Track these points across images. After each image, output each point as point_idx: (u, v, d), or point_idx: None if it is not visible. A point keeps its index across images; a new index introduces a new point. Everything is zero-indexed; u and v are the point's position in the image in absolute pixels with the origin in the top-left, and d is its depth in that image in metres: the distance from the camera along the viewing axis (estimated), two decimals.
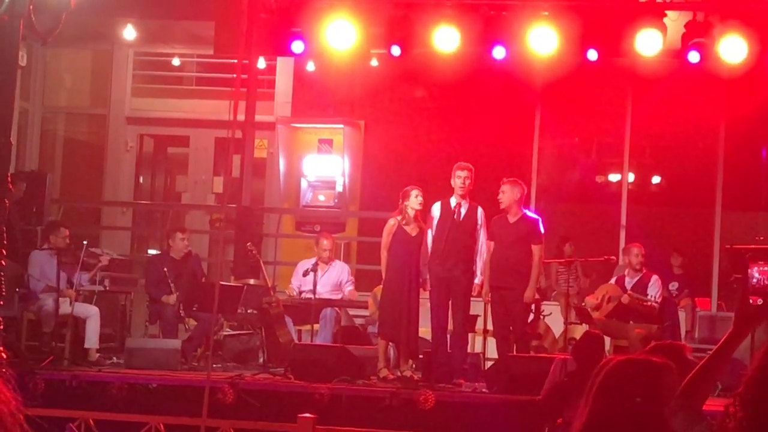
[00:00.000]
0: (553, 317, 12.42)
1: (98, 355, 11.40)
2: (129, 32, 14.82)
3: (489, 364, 11.16)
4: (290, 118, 15.03)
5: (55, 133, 16.09)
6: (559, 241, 13.44)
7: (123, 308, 12.65)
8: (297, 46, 12.35)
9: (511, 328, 10.74)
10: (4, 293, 9.48)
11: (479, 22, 11.89)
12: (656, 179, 15.35)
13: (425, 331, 11.04)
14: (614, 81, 14.06)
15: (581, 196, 15.09)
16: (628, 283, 11.55)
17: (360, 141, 14.87)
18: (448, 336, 10.72)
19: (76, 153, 16.09)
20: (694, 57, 11.58)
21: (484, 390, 10.35)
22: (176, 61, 15.73)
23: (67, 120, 16.24)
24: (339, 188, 14.60)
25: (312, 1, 12.27)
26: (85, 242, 11.49)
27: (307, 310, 11.43)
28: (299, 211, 14.67)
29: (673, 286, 13.27)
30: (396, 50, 11.99)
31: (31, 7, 9.41)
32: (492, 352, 11.34)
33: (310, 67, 14.51)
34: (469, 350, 11.25)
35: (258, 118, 13.69)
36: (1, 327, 9.35)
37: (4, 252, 9.33)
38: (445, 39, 11.87)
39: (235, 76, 12.79)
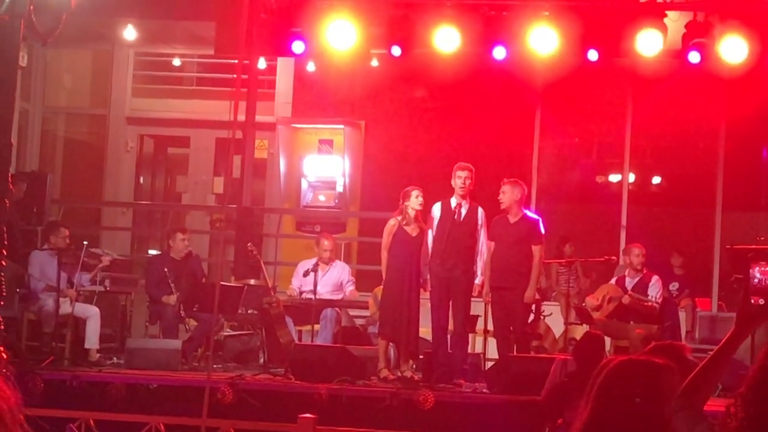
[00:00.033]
0: (554, 317, 12.42)
1: (98, 355, 11.40)
2: (129, 32, 14.83)
3: (489, 364, 11.16)
4: (291, 119, 15.03)
5: (55, 134, 16.10)
6: (559, 241, 13.43)
7: (123, 308, 12.64)
8: (297, 47, 12.35)
9: (511, 328, 10.74)
10: (4, 293, 9.49)
11: (479, 23, 11.88)
12: (656, 179, 15.35)
13: (426, 331, 11.03)
14: (615, 81, 14.06)
15: (581, 197, 15.09)
16: (629, 283, 11.55)
17: (360, 141, 14.87)
18: (449, 336, 10.72)
19: (76, 153, 16.09)
20: (694, 57, 11.58)
21: (484, 390, 10.36)
22: (177, 62, 15.74)
23: (67, 120, 16.25)
24: (339, 188, 14.60)
25: (312, 1, 12.27)
26: (85, 242, 11.50)
27: (308, 310, 11.43)
28: (300, 211, 14.67)
29: (674, 286, 13.27)
30: (396, 50, 11.98)
31: (31, 7, 9.41)
32: (492, 352, 11.34)
33: (311, 67, 14.51)
34: (469, 350, 11.24)
35: (258, 118, 13.70)
36: (2, 327, 9.37)
37: (5, 252, 9.34)
38: (446, 39, 11.86)
39: (235, 76, 12.79)
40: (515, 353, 10.59)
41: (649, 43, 11.59)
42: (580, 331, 11.59)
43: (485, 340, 11.56)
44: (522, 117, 14.56)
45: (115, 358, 11.47)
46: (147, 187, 16.33)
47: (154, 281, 11.76)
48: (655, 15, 11.64)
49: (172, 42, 15.45)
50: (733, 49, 11.49)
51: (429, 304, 10.76)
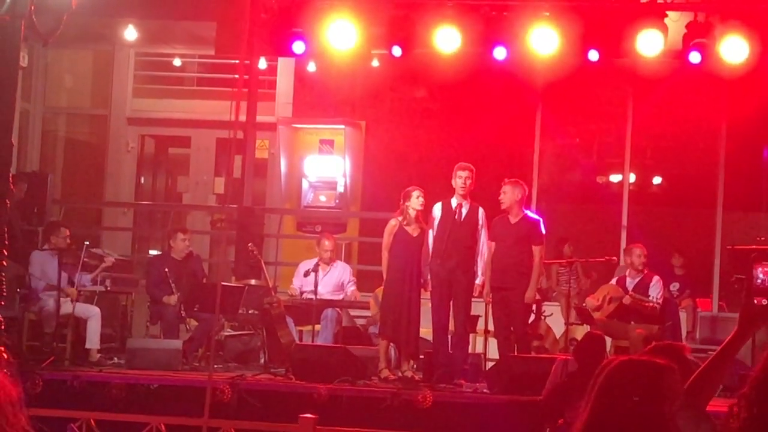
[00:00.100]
0: (554, 318, 12.43)
1: (99, 355, 11.40)
2: (130, 33, 14.82)
3: (490, 364, 11.15)
4: (291, 119, 15.02)
5: (56, 134, 16.09)
6: (558, 241, 13.44)
7: (124, 309, 12.65)
8: (298, 47, 12.35)
9: (512, 328, 10.74)
10: (5, 293, 9.50)
11: (480, 23, 11.88)
12: (657, 180, 15.35)
13: (426, 331, 11.03)
14: (615, 81, 14.06)
15: (582, 197, 15.09)
16: (630, 283, 11.54)
17: (361, 141, 14.86)
18: (449, 336, 10.72)
19: (77, 153, 16.09)
20: (695, 57, 11.58)
21: (485, 390, 10.35)
22: (177, 62, 15.73)
23: (68, 120, 16.25)
24: (340, 189, 14.59)
25: (313, 1, 12.27)
26: (86, 243, 11.50)
27: (309, 310, 11.43)
28: (300, 211, 14.67)
29: (674, 286, 13.27)
30: (397, 50, 11.98)
31: (32, 7, 9.42)
32: (493, 352, 11.34)
33: (311, 67, 14.52)
34: (470, 351, 11.24)
35: (259, 118, 13.69)
36: (3, 327, 9.37)
37: (6, 252, 9.34)
38: (446, 39, 11.86)
39: (236, 76, 12.79)
40: (516, 353, 10.58)
41: (649, 44, 11.59)
42: (580, 332, 11.59)
43: (486, 340, 11.55)
44: (522, 117, 14.56)
45: (115, 358, 11.47)
46: (148, 188, 16.33)
47: (155, 281, 11.76)
48: (655, 15, 11.64)
49: (172, 42, 15.45)
50: (733, 49, 11.49)
51: (430, 305, 10.76)
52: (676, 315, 12.23)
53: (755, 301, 3.30)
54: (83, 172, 15.78)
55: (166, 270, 11.62)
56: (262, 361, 11.44)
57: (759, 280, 3.32)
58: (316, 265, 11.57)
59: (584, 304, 11.93)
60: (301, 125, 14.99)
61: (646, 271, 11.56)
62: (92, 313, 11.42)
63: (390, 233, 10.77)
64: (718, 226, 14.07)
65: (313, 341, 11.53)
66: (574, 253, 13.22)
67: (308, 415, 8.27)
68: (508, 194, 10.75)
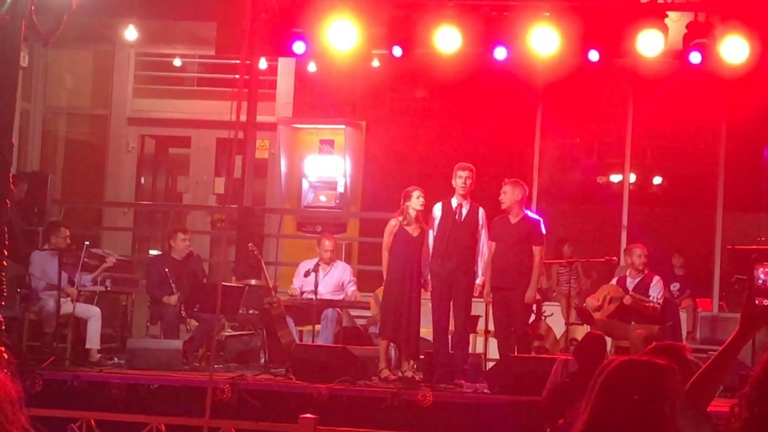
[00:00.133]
0: (555, 318, 12.42)
1: (99, 355, 11.39)
2: (130, 33, 14.82)
3: (490, 364, 11.15)
4: (291, 119, 15.02)
5: (56, 134, 16.09)
6: (557, 242, 13.44)
7: (124, 309, 12.65)
8: (298, 47, 12.35)
9: (512, 328, 10.73)
10: (5, 294, 9.49)
11: (480, 23, 11.88)
12: (657, 180, 15.34)
13: (426, 331, 11.03)
14: (615, 82, 14.06)
15: (582, 197, 15.09)
16: (630, 283, 11.54)
17: (361, 141, 14.86)
18: (450, 336, 10.72)
19: (77, 153, 16.09)
20: (695, 58, 11.58)
21: (485, 391, 10.35)
22: (177, 62, 15.73)
23: (68, 121, 16.25)
24: (340, 189, 14.59)
25: (313, 1, 12.27)
26: (86, 243, 11.50)
27: (309, 310, 11.43)
28: (300, 211, 14.67)
29: (675, 286, 13.27)
30: (397, 51, 11.98)
31: (32, 7, 9.42)
32: (493, 352, 11.34)
33: (312, 67, 14.52)
34: (470, 351, 11.24)
35: (259, 118, 13.69)
36: (3, 327, 9.37)
37: (6, 252, 9.34)
38: (447, 39, 11.86)
39: (236, 76, 12.77)
40: (516, 353, 10.58)
41: (649, 44, 11.59)
42: (581, 332, 11.59)
43: (486, 340, 11.55)
44: (523, 117, 14.56)
45: (116, 359, 11.47)
46: (148, 188, 16.33)
47: (155, 281, 11.76)
48: (655, 15, 11.64)
49: (173, 42, 15.45)
50: (734, 49, 11.49)
51: (430, 305, 10.76)
52: (677, 315, 12.23)
53: (756, 302, 3.29)
54: (83, 172, 15.78)
55: (167, 270, 11.62)
56: (263, 361, 11.44)
57: (760, 281, 3.32)
58: (317, 265, 11.57)
59: (584, 304, 11.93)
60: (302, 125, 14.99)
61: (646, 271, 11.56)
62: (92, 313, 11.42)
63: (390, 233, 10.77)
64: (718, 226, 14.07)
65: (313, 341, 11.53)
66: (574, 253, 13.22)
67: (308, 415, 8.27)
68: (509, 194, 10.75)
